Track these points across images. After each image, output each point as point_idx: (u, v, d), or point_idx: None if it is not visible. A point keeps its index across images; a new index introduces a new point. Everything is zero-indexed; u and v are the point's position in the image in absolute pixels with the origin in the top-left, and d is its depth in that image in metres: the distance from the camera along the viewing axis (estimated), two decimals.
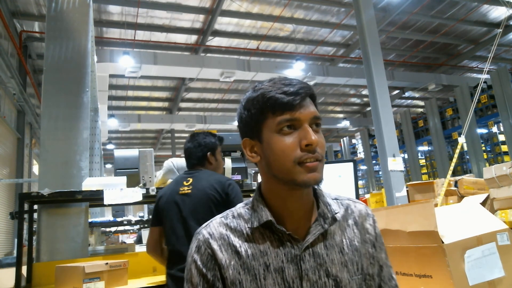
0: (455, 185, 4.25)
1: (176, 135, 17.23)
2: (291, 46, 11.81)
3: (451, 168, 5.31)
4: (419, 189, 4.85)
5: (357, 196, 2.74)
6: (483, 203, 3.05)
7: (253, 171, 5.20)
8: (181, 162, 2.78)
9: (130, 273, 2.56)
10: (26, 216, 2.83)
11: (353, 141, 17.58)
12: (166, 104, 15.31)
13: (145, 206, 9.68)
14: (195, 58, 10.62)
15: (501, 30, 6.98)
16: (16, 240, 5.98)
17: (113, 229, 6.42)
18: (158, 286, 2.42)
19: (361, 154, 16.42)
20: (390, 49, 12.62)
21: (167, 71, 10.57)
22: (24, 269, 2.56)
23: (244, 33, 10.88)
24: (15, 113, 9.57)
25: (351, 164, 2.75)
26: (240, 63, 10.83)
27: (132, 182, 2.98)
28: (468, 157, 11.79)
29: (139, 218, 5.47)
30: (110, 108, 13.09)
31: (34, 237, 3.00)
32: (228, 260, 0.76)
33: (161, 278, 2.54)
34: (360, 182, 16.37)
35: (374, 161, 15.90)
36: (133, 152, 3.37)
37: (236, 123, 0.88)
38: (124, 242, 7.98)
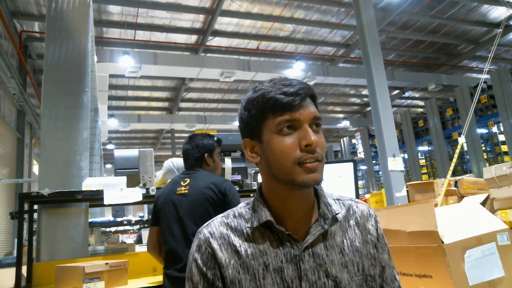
0: (455, 185, 4.25)
1: (176, 135, 17.23)
2: (291, 46, 11.81)
3: (451, 168, 5.31)
4: (419, 189, 4.85)
5: (357, 196, 2.74)
6: (483, 203, 3.05)
7: (253, 171, 5.20)
8: (181, 162, 2.77)
9: (130, 273, 2.56)
10: (26, 216, 2.83)
11: (353, 141, 17.59)
12: (166, 104, 15.31)
13: (145, 206, 9.69)
14: (195, 58, 10.63)
15: (501, 30, 6.98)
16: (16, 240, 5.98)
17: (113, 229, 6.42)
18: (158, 286, 2.42)
19: (361, 154, 16.42)
20: (390, 49, 12.62)
21: (167, 71, 10.57)
22: (24, 269, 2.56)
23: (244, 33, 10.88)
24: (15, 113, 9.57)
25: (351, 164, 2.75)
26: (240, 63, 10.83)
27: (132, 182, 2.98)
28: (468, 157, 11.79)
29: (139, 218, 5.47)
30: (110, 108, 13.09)
31: (34, 237, 3.00)
32: (228, 259, 0.76)
33: (161, 278, 2.53)
34: (360, 182, 16.38)
35: (374, 161, 15.90)
36: (133, 152, 3.38)
37: (236, 123, 0.88)
38: (124, 242, 7.98)
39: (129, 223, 5.23)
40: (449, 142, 13.01)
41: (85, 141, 3.05)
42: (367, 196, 8.08)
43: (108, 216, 6.10)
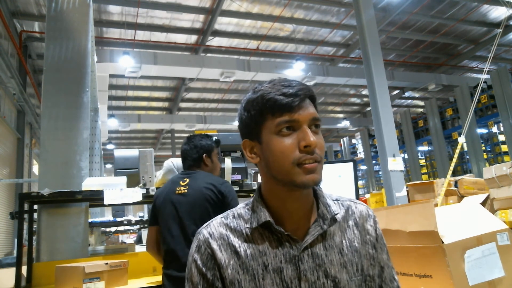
0: (455, 185, 4.25)
1: (176, 135, 17.23)
2: (291, 46, 11.81)
3: (451, 168, 5.31)
4: (419, 189, 4.85)
5: (357, 196, 2.73)
6: (483, 203, 3.05)
7: (253, 171, 5.20)
8: (181, 162, 2.78)
9: (130, 273, 2.56)
10: (26, 216, 2.83)
11: (353, 141, 17.58)
12: (166, 104, 15.31)
13: (145, 206, 9.69)
14: (195, 58, 10.63)
15: (501, 30, 6.98)
16: (16, 240, 5.99)
17: (113, 229, 6.42)
18: (157, 286, 2.42)
19: (361, 154, 16.42)
20: (390, 49, 12.61)
21: (167, 71, 10.57)
22: (24, 269, 2.56)
23: (244, 33, 10.88)
24: (15, 113, 9.57)
25: (351, 164, 2.75)
26: (240, 63, 10.83)
27: (132, 182, 2.98)
28: (468, 157, 11.79)
29: (139, 218, 5.46)
30: (110, 108, 13.09)
31: (34, 237, 3.00)
32: (227, 260, 0.76)
33: (161, 278, 2.53)
34: (360, 182, 16.38)
35: (374, 161, 15.90)
36: (133, 152, 3.38)
37: (236, 123, 0.88)
38: (124, 242, 7.97)
39: (129, 223, 5.23)
40: (449, 142, 13.01)
41: (85, 141, 3.05)
42: (367, 196, 8.08)
43: (108, 216, 6.10)
